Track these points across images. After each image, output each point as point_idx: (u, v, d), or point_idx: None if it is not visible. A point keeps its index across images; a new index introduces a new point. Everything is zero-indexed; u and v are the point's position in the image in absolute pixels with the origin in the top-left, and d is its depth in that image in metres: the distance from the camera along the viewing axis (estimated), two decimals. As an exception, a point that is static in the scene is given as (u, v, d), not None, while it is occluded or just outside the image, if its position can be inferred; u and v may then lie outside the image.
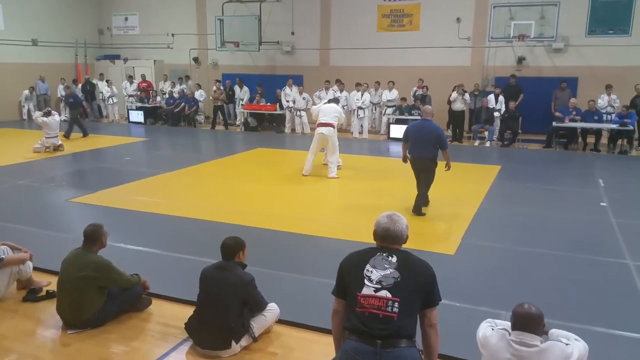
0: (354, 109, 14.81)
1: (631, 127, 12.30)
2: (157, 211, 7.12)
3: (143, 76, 18.65)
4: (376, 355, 2.52)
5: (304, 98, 15.34)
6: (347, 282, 2.77)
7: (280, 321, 3.97)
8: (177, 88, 17.65)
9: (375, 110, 15.45)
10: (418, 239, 5.60)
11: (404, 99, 14.58)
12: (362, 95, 14.76)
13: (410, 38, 15.88)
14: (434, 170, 6.87)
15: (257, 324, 3.72)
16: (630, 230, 6.46)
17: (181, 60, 19.21)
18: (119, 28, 20.51)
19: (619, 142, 12.56)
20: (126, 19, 20.26)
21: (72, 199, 7.80)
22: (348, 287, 2.76)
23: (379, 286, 2.63)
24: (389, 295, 2.60)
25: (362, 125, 14.86)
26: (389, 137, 14.24)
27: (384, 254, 2.75)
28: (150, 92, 18.00)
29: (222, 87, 16.84)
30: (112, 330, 3.96)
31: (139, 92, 17.98)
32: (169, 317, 4.15)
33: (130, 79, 18.54)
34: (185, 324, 3.76)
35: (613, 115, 12.77)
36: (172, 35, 19.18)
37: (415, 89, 14.77)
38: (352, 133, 14.93)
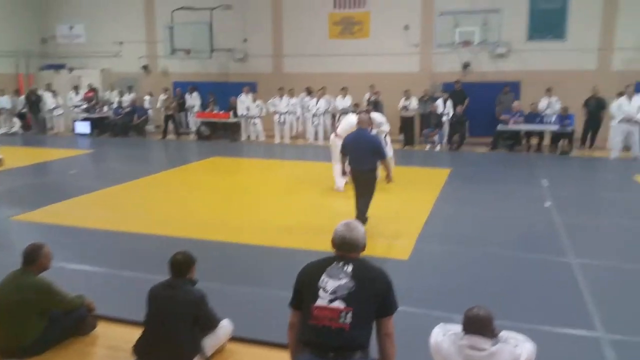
0: (310, 116, 14.86)
1: (571, 129, 12.84)
2: (104, 227, 6.85)
3: (90, 86, 18.08)
4: None
5: (257, 105, 15.27)
6: (303, 294, 2.75)
7: (233, 338, 3.88)
8: (126, 97, 17.21)
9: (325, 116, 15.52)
10: (371, 244, 5.62)
11: (357, 105, 14.71)
12: (317, 101, 14.80)
13: (361, 45, 16.10)
14: (374, 184, 6.54)
15: (209, 343, 3.62)
16: (572, 228, 6.72)
17: (130, 68, 18.76)
18: (64, 37, 19.82)
19: (560, 142, 13.10)
20: (71, 27, 19.62)
21: (14, 216, 7.43)
22: (304, 298, 2.74)
23: (333, 297, 2.62)
24: (342, 305, 2.59)
25: (316, 132, 14.92)
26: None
27: (340, 264, 2.74)
28: (94, 101, 17.39)
29: (172, 95, 16.53)
30: (54, 357, 3.76)
31: (87, 103, 17.41)
32: (116, 339, 3.98)
33: (76, 89, 17.92)
34: (133, 346, 3.60)
35: (553, 118, 13.31)
36: (121, 43, 18.71)
37: (368, 95, 14.95)
38: (308, 139, 14.97)
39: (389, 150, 9.02)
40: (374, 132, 8.77)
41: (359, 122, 6.79)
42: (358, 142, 6.48)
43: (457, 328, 2.88)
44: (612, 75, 13.98)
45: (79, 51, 19.45)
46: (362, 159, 6.40)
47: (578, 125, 13.40)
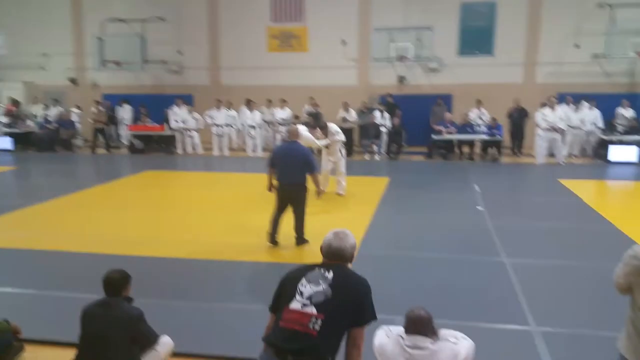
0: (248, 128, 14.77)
1: (499, 137, 13.52)
2: (29, 246, 6.45)
3: (10, 99, 17.10)
4: None
5: (194, 118, 15.00)
6: (281, 295, 2.71)
7: (175, 354, 3.75)
8: (52, 111, 16.43)
9: (268, 129, 15.51)
10: (313, 251, 5.65)
11: (297, 117, 14.81)
12: (251, 113, 14.74)
13: (300, 58, 16.25)
14: (305, 199, 6.27)
15: (149, 360, 3.49)
16: (503, 230, 7.04)
17: (56, 80, 17.94)
18: (-19, 49, 18.68)
19: (490, 150, 13.76)
20: (-10, 39, 18.53)
21: None
22: (281, 300, 2.69)
23: (307, 302, 2.58)
24: (314, 311, 2.54)
25: (255, 144, 14.83)
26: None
27: (322, 270, 2.71)
28: (21, 116, 16.49)
29: (101, 109, 15.94)
30: (-22, 386, 3.52)
31: (8, 117, 16.45)
32: (47, 363, 3.77)
33: (-5, 103, 16.91)
34: (66, 368, 3.44)
35: (483, 127, 13.96)
36: (45, 55, 17.87)
37: (307, 106, 15.05)
38: (245, 151, 14.87)
39: (342, 162, 9.17)
40: (324, 142, 8.94)
41: (291, 134, 6.60)
42: (288, 155, 6.29)
43: (399, 329, 2.92)
44: (536, 88, 14.90)
45: (-2, 63, 18.42)
46: (292, 173, 6.18)
47: (507, 134, 14.13)
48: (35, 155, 15.33)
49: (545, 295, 4.93)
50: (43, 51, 17.83)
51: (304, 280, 2.66)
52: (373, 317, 2.69)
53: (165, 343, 3.62)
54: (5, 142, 15.84)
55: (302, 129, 8.48)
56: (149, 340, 3.49)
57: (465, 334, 3.05)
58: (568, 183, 10.20)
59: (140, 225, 7.55)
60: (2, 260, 6.12)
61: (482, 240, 6.66)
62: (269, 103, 15.31)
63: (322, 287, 2.61)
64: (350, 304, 2.62)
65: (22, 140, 16.04)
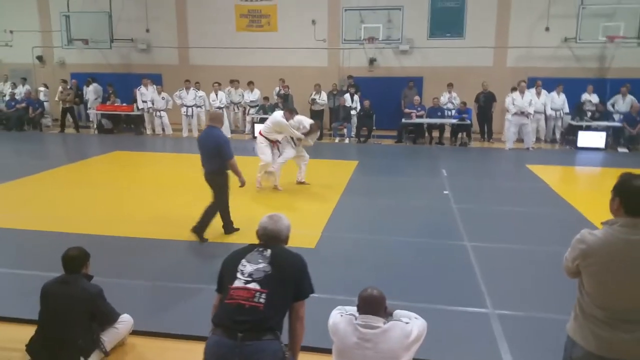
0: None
1: (469, 122, 13.68)
2: (-5, 225, 6.42)
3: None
4: (236, 348, 2.53)
5: (163, 98, 14.78)
6: (224, 277, 2.79)
7: (135, 332, 3.80)
8: (20, 89, 16.01)
9: (238, 109, 15.39)
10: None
11: (266, 98, 14.72)
12: (216, 94, 14.57)
13: (269, 38, 16.09)
14: (223, 186, 5.99)
15: (109, 338, 3.53)
16: (467, 214, 7.19)
17: (23, 59, 17.45)
18: (-58, 24, 18.00)
19: (459, 135, 13.91)
20: (-49, 14, 17.86)
21: None
22: (224, 281, 2.77)
23: (249, 279, 2.67)
24: (257, 287, 2.64)
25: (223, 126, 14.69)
26: (254, 136, 14.27)
27: (260, 249, 2.81)
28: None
29: (68, 87, 15.58)
30: None
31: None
32: (7, 340, 3.78)
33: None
34: (26, 345, 3.44)
35: (453, 111, 14.09)
36: (11, 32, 17.32)
37: (278, 88, 14.97)
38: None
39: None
40: (299, 135, 8.31)
41: (211, 119, 6.29)
42: (204, 142, 6.04)
43: (353, 309, 3.00)
44: (506, 71, 15.06)
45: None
46: (206, 160, 6.00)
47: (475, 119, 14.30)
48: (3, 134, 14.97)
49: (504, 279, 5.06)
50: (8, 27, 17.27)
51: (244, 261, 2.76)
52: (311, 291, 2.85)
53: (125, 321, 3.69)
54: (-28, 121, 15.43)
55: (278, 115, 8.36)
56: (109, 317, 3.54)
57: (424, 316, 3.13)
58: (535, 168, 10.39)
59: (106, 205, 7.49)
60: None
61: (446, 224, 6.79)
62: (237, 84, 15.12)
63: (262, 264, 2.73)
64: (290, 280, 2.75)
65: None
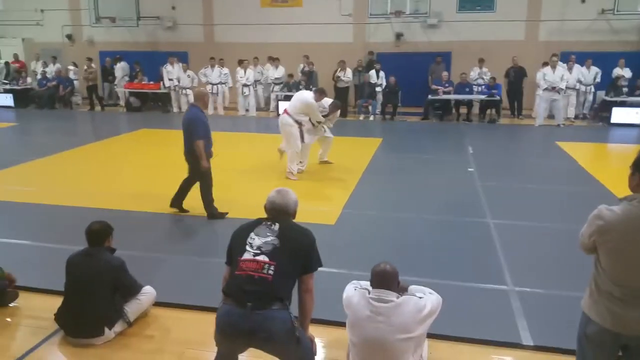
0: (239, 87, 14.64)
1: (498, 97, 13.38)
2: (26, 200, 6.65)
3: (16, 56, 17.04)
4: (246, 317, 2.59)
5: (189, 76, 14.88)
6: (233, 249, 2.85)
7: (157, 303, 3.91)
8: (51, 68, 16.35)
9: (257, 87, 15.36)
10: (299, 210, 5.74)
11: (290, 76, 14.66)
12: (245, 72, 14.55)
13: (294, 14, 15.93)
14: (199, 170, 5.80)
15: (132, 309, 3.64)
16: (491, 191, 7.09)
17: (53, 37, 17.79)
18: (-24, 4, 18.44)
19: (488, 111, 13.63)
20: (-15, -6, 18.26)
21: None
22: (233, 253, 2.83)
23: (258, 251, 2.72)
24: (266, 259, 2.69)
25: (248, 103, 14.75)
26: (278, 114, 14.28)
27: (268, 223, 2.86)
28: (21, 72, 16.49)
29: (92, 66, 15.81)
30: (-28, 330, 3.69)
31: (6, 69, 16.47)
32: (38, 309, 3.94)
33: (-6, 58, 16.86)
34: (54, 314, 3.59)
35: (482, 87, 13.79)
36: (42, 11, 17.62)
37: (302, 65, 14.88)
38: (238, 111, 14.81)
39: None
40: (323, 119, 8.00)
41: (194, 97, 6.18)
42: (183, 120, 5.89)
43: (367, 284, 3.02)
44: (538, 46, 14.60)
45: (-5, 19, 18.21)
46: (185, 139, 5.82)
47: (505, 94, 13.97)
48: (35, 112, 15.38)
49: (525, 257, 5.00)
50: (39, 7, 17.58)
51: (252, 234, 2.81)
52: (319, 264, 2.88)
53: (148, 293, 3.79)
54: (7, 99, 15.86)
55: (309, 96, 7.85)
56: (131, 289, 3.65)
57: (442, 292, 3.12)
58: (566, 146, 10.14)
59: (133, 181, 7.66)
60: (2, 213, 6.29)
61: (469, 201, 6.71)
62: (256, 61, 14.99)
63: (270, 238, 2.77)
64: (298, 253, 2.78)
65: (22, 97, 16.03)
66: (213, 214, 5.96)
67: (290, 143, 7.71)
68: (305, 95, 7.99)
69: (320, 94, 7.93)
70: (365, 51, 15.61)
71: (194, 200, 6.14)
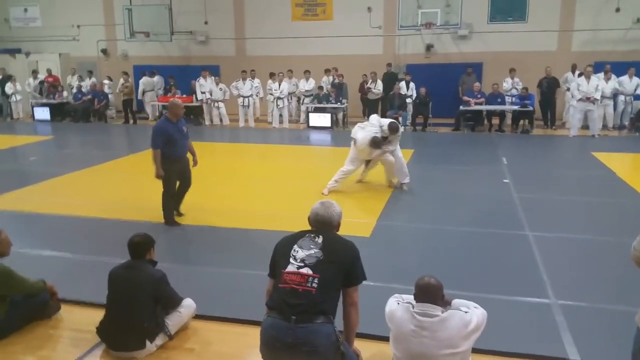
0: (274, 99, 14.77)
1: (531, 108, 13.17)
2: (66, 212, 6.78)
3: (49, 70, 17.59)
4: (290, 330, 2.59)
5: (220, 89, 15.09)
6: (277, 262, 2.85)
7: (197, 316, 3.93)
8: (86, 82, 16.81)
9: (292, 99, 15.50)
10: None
11: (320, 88, 14.75)
12: (279, 85, 14.70)
13: (324, 27, 16.06)
14: (164, 176, 5.98)
15: (172, 321, 3.66)
16: (529, 203, 6.96)
17: (88, 52, 18.32)
18: (18, 20, 19.12)
19: (521, 122, 13.42)
20: (26, 10, 18.92)
21: (-30, 204, 7.25)
22: (277, 266, 2.84)
23: (302, 264, 2.72)
24: (310, 272, 2.69)
25: (281, 115, 14.87)
26: (308, 126, 14.38)
27: (312, 235, 2.86)
28: (57, 87, 16.99)
29: (129, 80, 16.19)
30: (16, 342, 3.74)
31: (40, 87, 16.96)
32: (80, 322, 3.98)
33: (34, 73, 17.38)
34: (96, 327, 3.63)
35: (514, 98, 13.59)
36: (78, 26, 18.20)
37: (332, 77, 14.95)
38: (271, 123, 14.93)
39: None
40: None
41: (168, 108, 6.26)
42: None
43: (411, 297, 2.99)
44: (571, 56, 14.33)
45: (34, 35, 18.83)
46: None
47: (537, 105, 13.75)
48: (71, 125, 15.80)
49: (567, 269, 4.89)
50: (75, 22, 18.14)
51: (296, 247, 2.81)
52: (363, 277, 2.87)
53: (188, 305, 3.81)
54: (44, 113, 16.35)
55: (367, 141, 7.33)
56: (172, 301, 3.67)
57: (483, 306, 3.07)
58: (601, 156, 9.92)
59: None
60: (42, 225, 6.43)
61: (506, 213, 6.60)
62: (290, 74, 15.18)
63: (314, 250, 2.76)
64: (342, 265, 2.77)
65: (58, 111, 16.51)
66: (167, 219, 6.18)
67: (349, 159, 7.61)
68: (367, 140, 7.39)
69: (391, 130, 7.47)
70: (395, 62, 15.60)
71: (227, 212, 6.18)
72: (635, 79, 13.11)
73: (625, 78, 13.11)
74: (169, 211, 6.22)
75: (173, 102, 6.25)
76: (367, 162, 8.00)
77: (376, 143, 7.36)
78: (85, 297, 4.32)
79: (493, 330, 3.36)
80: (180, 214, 6.45)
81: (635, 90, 13.18)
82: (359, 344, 3.26)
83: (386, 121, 7.65)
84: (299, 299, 2.64)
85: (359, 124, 7.79)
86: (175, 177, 6.12)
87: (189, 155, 6.31)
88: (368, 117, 13.99)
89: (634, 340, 2.44)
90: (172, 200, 6.24)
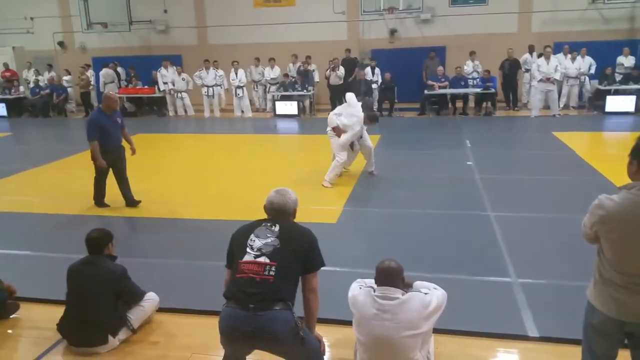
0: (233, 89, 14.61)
1: (493, 90, 13.39)
2: (24, 210, 6.63)
3: (6, 65, 16.98)
4: (249, 319, 2.57)
5: (183, 79, 14.85)
6: (233, 252, 2.83)
7: (161, 309, 3.89)
8: (44, 76, 16.29)
9: (258, 88, 15.35)
10: (299, 211, 5.72)
11: (286, 75, 14.64)
12: (236, 73, 14.51)
13: (287, 14, 15.91)
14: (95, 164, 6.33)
15: (135, 315, 3.62)
16: (491, 184, 7.09)
17: (44, 45, 17.70)
18: (-37, 14, 18.32)
19: (484, 104, 13.63)
20: (-28, 2, 18.14)
21: None
22: (233, 256, 2.81)
23: (259, 253, 2.70)
24: (267, 260, 2.67)
25: (243, 105, 14.70)
26: (275, 114, 14.28)
27: (268, 224, 2.83)
28: (13, 82, 16.42)
29: (86, 73, 15.75)
30: (-25, 343, 3.66)
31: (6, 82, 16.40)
32: (40, 320, 3.91)
33: (-14, 68, 16.78)
34: (57, 324, 3.56)
35: (477, 80, 13.78)
36: (31, 18, 17.54)
37: (299, 64, 14.84)
38: (234, 112, 14.79)
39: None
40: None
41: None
42: None
43: (372, 281, 3.01)
44: (531, 37, 14.58)
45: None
46: None
47: (500, 87, 13.97)
48: (29, 120, 15.35)
49: (528, 248, 5.00)
50: (28, 14, 17.49)
51: (252, 236, 2.79)
52: (322, 263, 2.86)
53: (152, 299, 3.77)
54: (1, 109, 15.81)
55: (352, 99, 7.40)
56: (134, 296, 3.63)
57: (446, 287, 3.12)
58: (562, 136, 10.14)
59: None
60: (0, 224, 6.26)
61: (469, 195, 6.70)
62: (257, 62, 15.05)
63: (271, 239, 2.75)
64: (299, 253, 2.76)
65: (15, 107, 15.99)
66: (96, 201, 6.59)
67: (340, 152, 7.37)
68: (358, 118, 7.29)
69: (370, 120, 7.49)
70: (360, 48, 15.59)
71: (191, 203, 6.10)
72: (588, 59, 13.45)
73: (578, 58, 13.42)
74: (99, 194, 6.57)
75: (106, 94, 6.49)
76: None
77: (375, 118, 7.68)
78: (44, 294, 4.23)
79: (454, 310, 3.43)
80: (137, 201, 6.60)
81: (589, 70, 13.52)
82: (324, 330, 3.28)
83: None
84: (257, 288, 2.62)
85: (332, 112, 7.57)
86: (108, 166, 6.39)
87: (125, 143, 6.63)
88: (332, 104, 14.14)
89: (585, 313, 2.52)
90: (102, 185, 6.56)
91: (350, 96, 7.65)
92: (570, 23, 14.56)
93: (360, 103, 7.59)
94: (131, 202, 6.55)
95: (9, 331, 3.83)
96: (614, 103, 12.67)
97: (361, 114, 7.27)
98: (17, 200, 7.10)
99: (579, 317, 2.59)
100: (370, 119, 7.45)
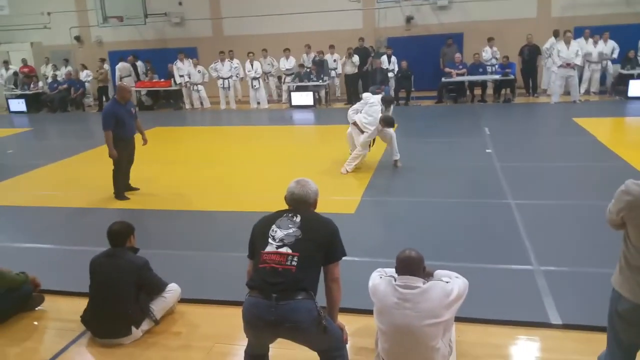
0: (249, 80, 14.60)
1: (512, 76, 13.17)
2: (46, 204, 6.71)
3: (24, 61, 17.19)
4: (271, 308, 2.58)
5: (199, 71, 14.88)
6: (255, 243, 2.83)
7: (183, 300, 3.93)
8: (62, 71, 16.47)
9: (268, 79, 15.30)
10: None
11: (301, 66, 14.59)
12: (252, 65, 14.48)
13: (302, 3, 15.76)
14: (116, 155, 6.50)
15: (157, 307, 3.65)
16: (511, 172, 7.00)
17: (61, 40, 17.88)
18: (-18, 9, 18.55)
19: (503, 91, 13.43)
20: (-9, -2, 18.35)
21: (-51, 200, 7.13)
22: (255, 247, 2.82)
23: (280, 244, 2.71)
24: (289, 251, 2.68)
25: (259, 96, 14.70)
26: (291, 105, 14.27)
27: (290, 215, 2.84)
28: (32, 77, 16.63)
29: (104, 67, 15.87)
30: (1, 335, 3.72)
31: (14, 78, 16.60)
32: (65, 312, 3.97)
33: (6, 64, 16.99)
34: (81, 316, 3.62)
35: (496, 67, 13.57)
36: (48, 14, 17.70)
37: (313, 54, 14.77)
38: (250, 104, 14.79)
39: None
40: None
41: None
42: None
43: (393, 271, 2.99)
44: (551, 22, 14.26)
45: (2, 24, 18.23)
46: None
47: (519, 73, 13.74)
48: (48, 115, 15.53)
49: (549, 235, 4.93)
50: (45, 10, 17.66)
51: (274, 227, 2.79)
52: (343, 253, 2.86)
53: (173, 290, 3.80)
54: (19, 105, 16.04)
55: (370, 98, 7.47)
56: (156, 287, 3.67)
57: (468, 275, 3.09)
58: (583, 122, 9.95)
59: (150, 180, 7.66)
60: (21, 218, 6.37)
61: (489, 183, 6.63)
62: (265, 53, 14.90)
63: (292, 229, 2.75)
64: (321, 243, 2.76)
65: (34, 102, 16.19)
66: (117, 194, 6.68)
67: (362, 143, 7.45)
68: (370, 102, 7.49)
69: (386, 123, 7.42)
70: (375, 36, 15.45)
71: (211, 195, 6.12)
72: (611, 43, 13.13)
73: (601, 42, 13.13)
74: (119, 187, 6.69)
75: (120, 85, 6.74)
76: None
77: (390, 121, 7.40)
78: (68, 287, 4.29)
79: (476, 298, 3.39)
80: (134, 189, 6.91)
81: (612, 54, 13.22)
82: (344, 319, 3.27)
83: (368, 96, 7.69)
84: (279, 278, 2.63)
85: (351, 109, 7.77)
86: (124, 156, 6.57)
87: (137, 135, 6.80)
88: (347, 92, 14.07)
89: (610, 300, 2.48)
90: (122, 177, 6.73)
91: (366, 95, 7.80)
92: (592, 7, 14.21)
93: (379, 96, 7.67)
94: (126, 187, 6.83)
95: (35, 323, 3.90)
96: (637, 87, 12.37)
97: (377, 114, 7.32)
98: (39, 195, 7.19)
99: (602, 304, 2.56)
100: (385, 122, 7.39)
